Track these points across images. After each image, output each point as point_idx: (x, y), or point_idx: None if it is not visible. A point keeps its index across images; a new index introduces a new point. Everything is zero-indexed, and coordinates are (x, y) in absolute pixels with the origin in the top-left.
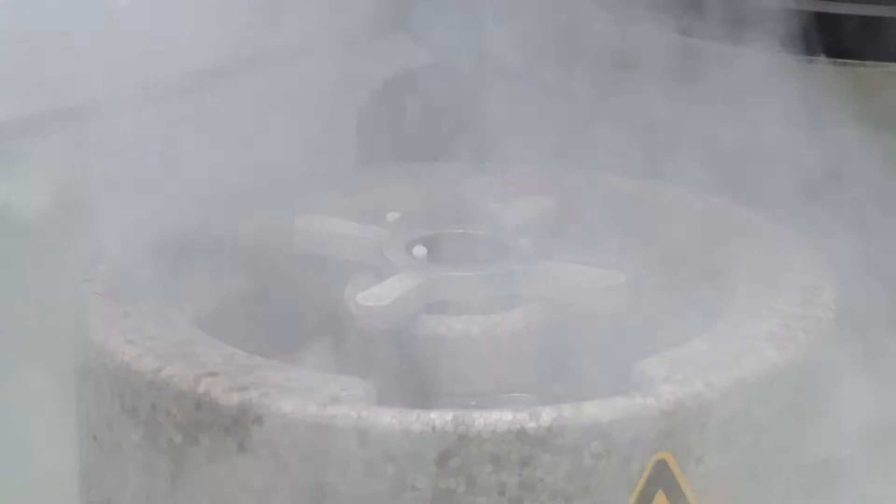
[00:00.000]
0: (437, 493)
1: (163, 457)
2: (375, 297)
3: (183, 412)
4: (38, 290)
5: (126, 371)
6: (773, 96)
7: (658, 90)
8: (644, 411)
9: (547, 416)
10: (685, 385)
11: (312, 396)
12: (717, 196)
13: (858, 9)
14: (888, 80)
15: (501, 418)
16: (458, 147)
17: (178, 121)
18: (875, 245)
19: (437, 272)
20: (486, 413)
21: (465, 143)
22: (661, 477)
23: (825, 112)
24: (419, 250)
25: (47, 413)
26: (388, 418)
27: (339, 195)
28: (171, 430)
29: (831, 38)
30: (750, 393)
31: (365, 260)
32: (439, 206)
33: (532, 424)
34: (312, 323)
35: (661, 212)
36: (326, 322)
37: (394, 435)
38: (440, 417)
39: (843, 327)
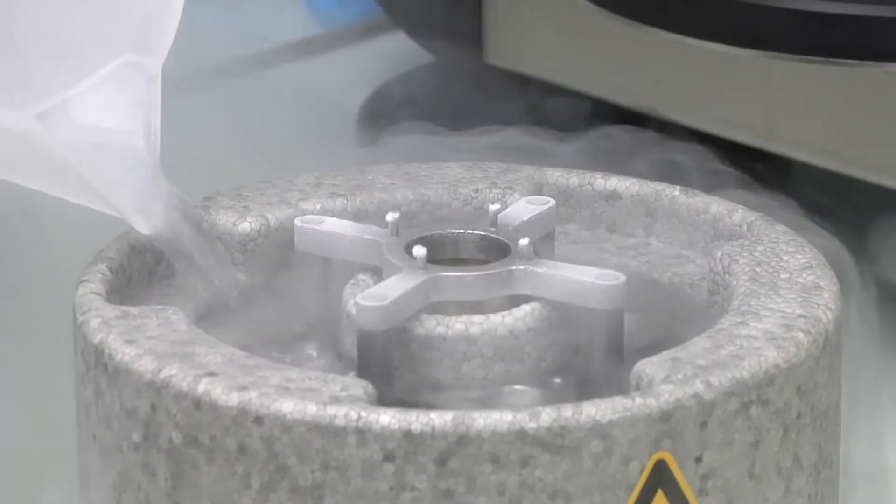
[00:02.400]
0: (437, 493)
1: (162, 457)
2: (375, 297)
3: (182, 412)
4: None
5: (125, 371)
6: None
7: None
8: (644, 411)
9: (547, 416)
10: (685, 385)
11: (312, 397)
12: (714, 196)
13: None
14: None
15: (501, 418)
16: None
17: None
18: None
19: (437, 272)
20: (486, 413)
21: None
22: (661, 477)
23: None
24: (419, 250)
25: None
26: (388, 418)
27: (338, 194)
28: (170, 430)
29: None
30: (749, 393)
31: (364, 260)
32: (439, 206)
33: (532, 425)
34: (312, 323)
35: (660, 211)
36: (326, 322)
37: (393, 435)
38: (440, 418)
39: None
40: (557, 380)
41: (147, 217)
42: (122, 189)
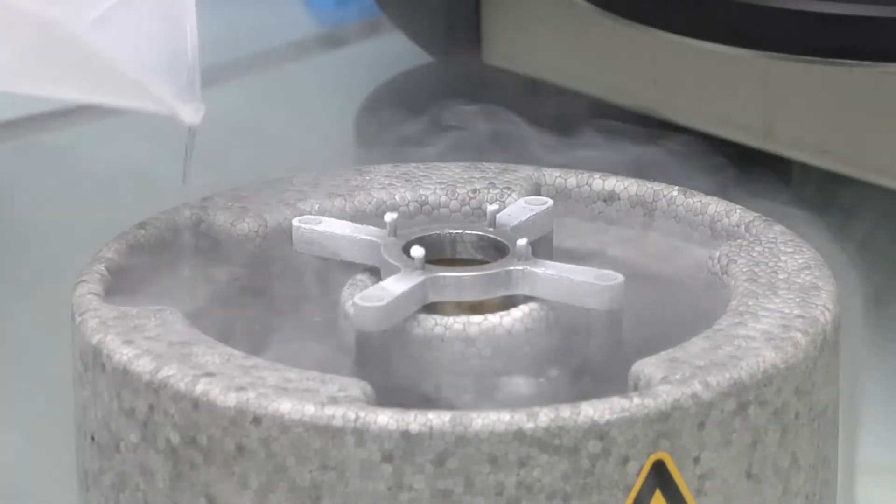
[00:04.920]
0: (435, 493)
1: (160, 457)
2: (373, 297)
3: (181, 413)
4: None
5: (123, 372)
6: None
7: None
8: (642, 412)
9: (545, 416)
10: (683, 386)
11: (310, 397)
12: (713, 196)
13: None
14: None
15: (499, 419)
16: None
17: None
18: None
19: (435, 272)
20: (484, 413)
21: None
22: (659, 477)
23: None
24: (417, 250)
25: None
26: (386, 419)
27: (337, 195)
28: (168, 430)
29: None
30: (747, 394)
31: (362, 260)
32: (437, 206)
33: (530, 425)
34: (310, 323)
35: (658, 211)
36: (324, 322)
37: (391, 435)
38: (438, 418)
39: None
40: (555, 379)
41: (190, 107)
42: (165, 81)
